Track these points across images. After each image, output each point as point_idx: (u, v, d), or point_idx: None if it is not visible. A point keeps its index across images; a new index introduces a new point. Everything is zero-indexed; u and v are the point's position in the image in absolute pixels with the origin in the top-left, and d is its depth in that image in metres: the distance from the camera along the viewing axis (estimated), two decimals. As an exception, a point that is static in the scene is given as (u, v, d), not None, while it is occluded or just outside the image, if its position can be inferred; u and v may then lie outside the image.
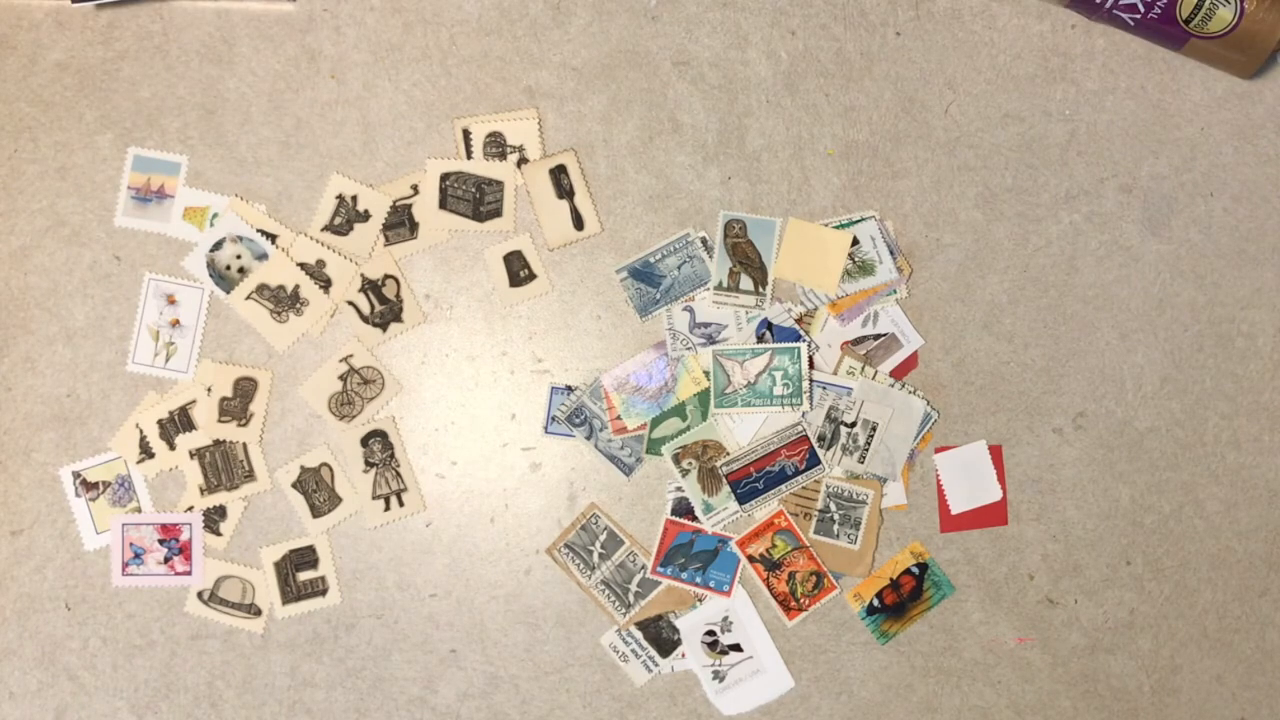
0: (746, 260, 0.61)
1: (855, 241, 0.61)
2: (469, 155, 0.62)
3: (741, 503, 0.61)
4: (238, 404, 0.62)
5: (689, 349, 0.61)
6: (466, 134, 0.62)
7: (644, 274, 0.62)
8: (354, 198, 0.62)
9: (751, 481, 0.61)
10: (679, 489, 0.62)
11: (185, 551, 0.62)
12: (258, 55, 0.62)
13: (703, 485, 0.61)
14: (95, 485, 0.62)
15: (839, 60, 0.62)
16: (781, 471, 0.61)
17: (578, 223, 0.62)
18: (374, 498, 0.62)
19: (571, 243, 0.62)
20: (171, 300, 0.62)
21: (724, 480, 0.61)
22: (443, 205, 0.62)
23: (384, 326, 0.62)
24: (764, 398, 0.61)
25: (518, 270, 0.62)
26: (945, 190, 0.62)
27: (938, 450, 0.62)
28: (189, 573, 0.62)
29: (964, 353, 0.62)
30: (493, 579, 0.62)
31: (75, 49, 0.62)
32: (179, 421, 0.62)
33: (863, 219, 0.62)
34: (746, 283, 0.61)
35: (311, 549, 0.62)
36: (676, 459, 0.61)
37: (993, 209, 0.62)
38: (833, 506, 0.61)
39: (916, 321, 0.62)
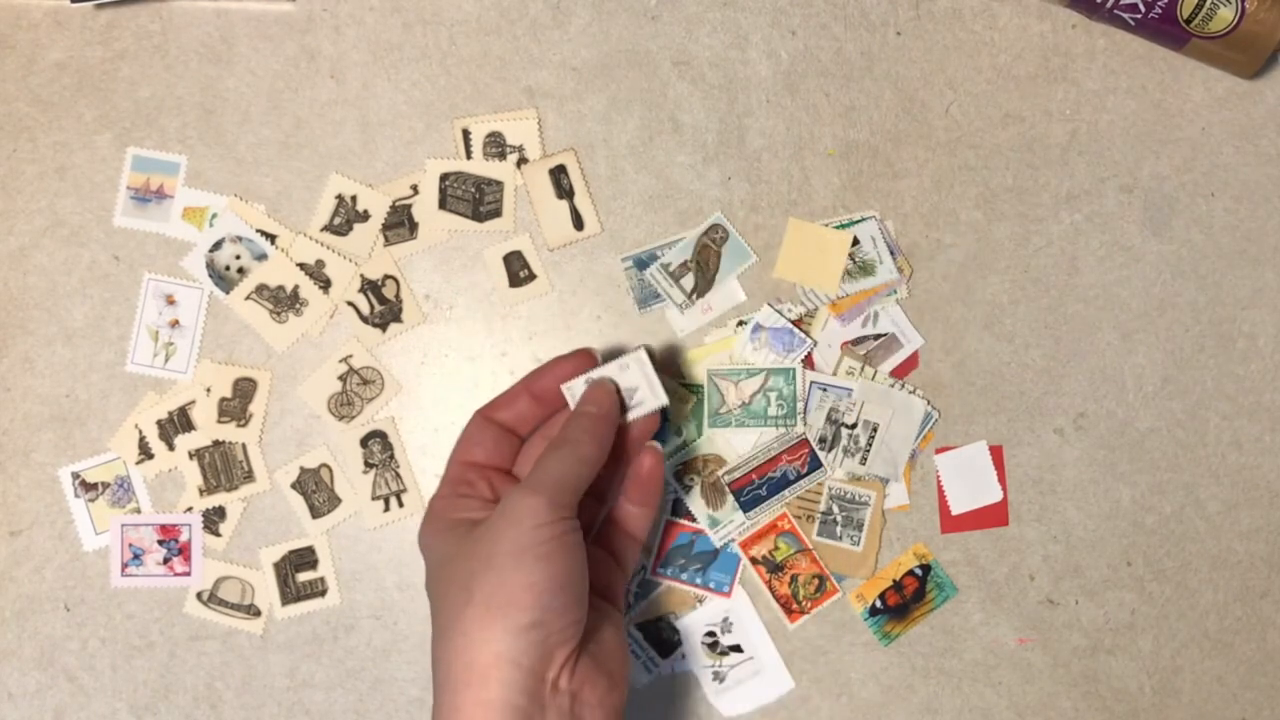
0: (703, 264, 0.61)
1: (855, 241, 0.61)
2: (469, 155, 0.62)
3: (746, 510, 0.61)
4: (237, 404, 0.62)
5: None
6: (466, 134, 0.62)
7: (648, 264, 0.61)
8: (353, 198, 0.62)
9: (754, 489, 0.61)
10: (679, 491, 0.62)
11: (184, 552, 0.62)
12: (257, 55, 0.62)
13: (707, 500, 0.61)
14: (94, 486, 0.62)
15: (839, 60, 0.62)
16: (784, 476, 0.61)
17: (578, 223, 0.62)
18: (374, 498, 0.62)
19: (571, 243, 0.62)
20: (171, 300, 0.62)
21: (727, 492, 0.61)
22: (442, 205, 0.62)
23: (384, 327, 0.62)
24: (758, 418, 0.61)
25: (518, 270, 0.62)
26: (945, 190, 0.62)
27: (938, 451, 0.62)
28: (188, 573, 0.62)
29: (964, 353, 0.62)
30: (493, 580, 0.62)
31: (74, 49, 0.62)
32: (178, 422, 0.62)
33: (863, 219, 0.62)
34: (688, 281, 0.61)
35: (311, 550, 0.62)
36: (678, 476, 0.61)
37: (993, 209, 0.62)
38: (835, 508, 0.61)
39: (917, 321, 0.62)
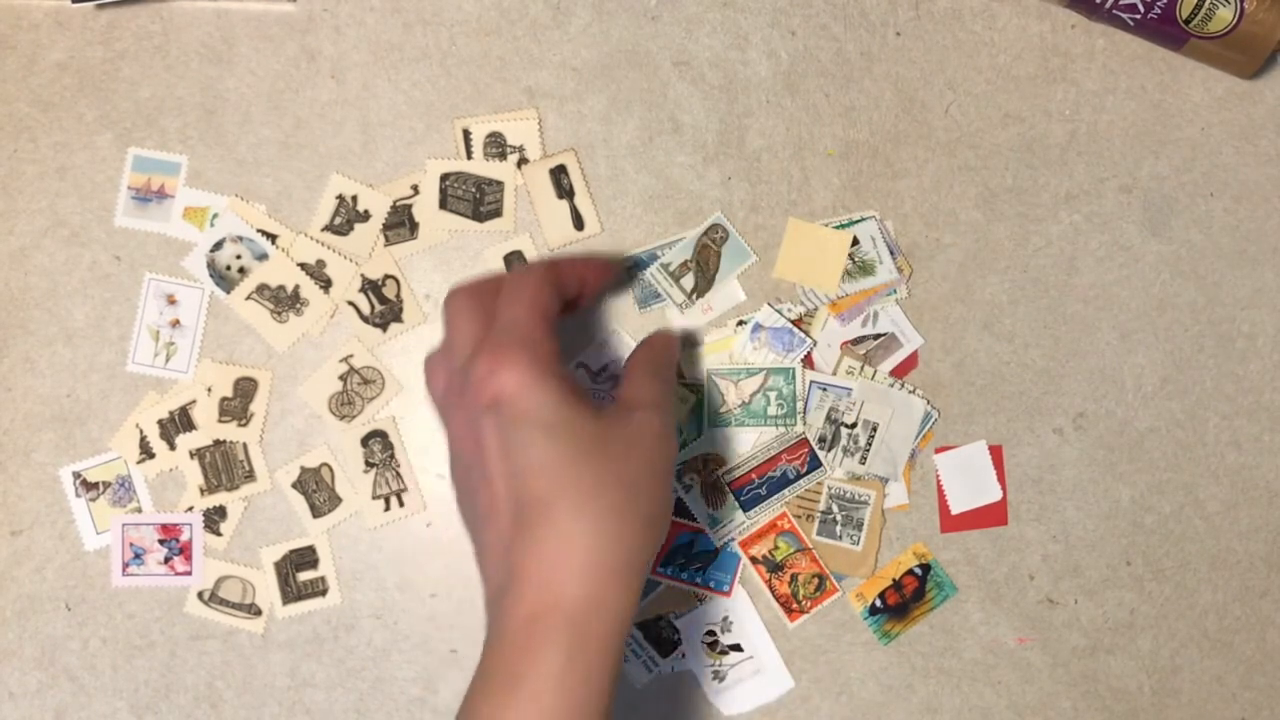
0: (703, 264, 0.61)
1: (855, 241, 0.61)
2: (469, 155, 0.62)
3: (746, 510, 0.61)
4: (238, 404, 0.62)
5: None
6: (466, 134, 0.62)
7: (648, 264, 0.62)
8: (354, 198, 0.62)
9: (754, 488, 0.61)
10: (679, 491, 0.62)
11: (185, 552, 0.62)
12: (258, 55, 0.62)
13: (707, 500, 0.61)
14: (95, 485, 0.62)
15: (839, 60, 0.62)
16: (784, 476, 0.61)
17: (578, 223, 0.62)
18: (374, 498, 0.62)
19: (571, 243, 0.62)
20: (171, 300, 0.62)
21: (727, 491, 0.61)
22: (443, 205, 0.62)
23: (384, 326, 0.62)
24: (758, 417, 0.61)
25: (518, 270, 0.62)
26: (945, 190, 0.62)
27: (938, 450, 0.62)
28: (189, 573, 0.62)
29: (964, 353, 0.62)
30: (493, 579, 0.62)
31: (75, 49, 0.62)
32: (179, 421, 0.62)
33: (863, 219, 0.62)
34: (688, 281, 0.61)
35: (311, 549, 0.62)
36: (678, 475, 0.61)
37: (993, 209, 0.62)
38: (835, 508, 0.61)
39: (916, 321, 0.62)
